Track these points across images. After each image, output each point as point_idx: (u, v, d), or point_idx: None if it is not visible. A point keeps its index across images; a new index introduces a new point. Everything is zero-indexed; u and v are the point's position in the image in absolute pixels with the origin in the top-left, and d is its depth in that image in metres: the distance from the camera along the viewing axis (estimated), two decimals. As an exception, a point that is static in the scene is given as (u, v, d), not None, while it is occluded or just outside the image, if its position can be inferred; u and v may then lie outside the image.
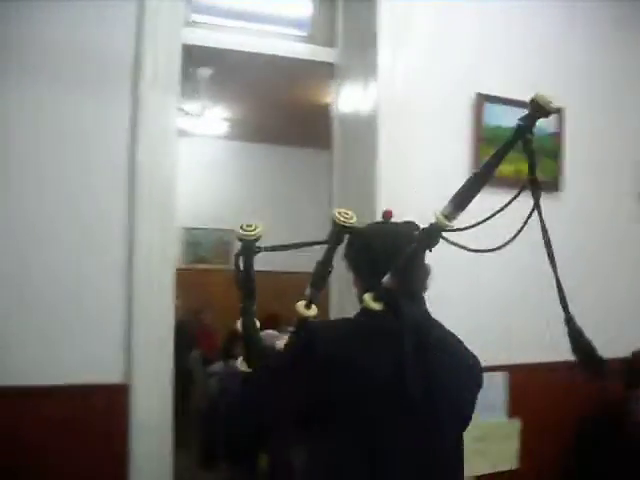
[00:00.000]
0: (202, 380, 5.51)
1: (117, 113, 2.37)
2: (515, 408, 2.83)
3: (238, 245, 1.53)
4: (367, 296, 1.39)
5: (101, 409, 2.28)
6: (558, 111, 1.16)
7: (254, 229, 1.51)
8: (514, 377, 2.81)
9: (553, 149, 2.95)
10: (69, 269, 2.30)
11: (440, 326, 1.55)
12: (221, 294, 5.42)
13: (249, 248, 1.50)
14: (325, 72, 3.01)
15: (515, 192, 1.31)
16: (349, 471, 1.40)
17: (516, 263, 2.61)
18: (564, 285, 1.25)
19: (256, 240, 1.51)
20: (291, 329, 1.51)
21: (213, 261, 7.79)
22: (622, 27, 3.17)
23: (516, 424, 2.82)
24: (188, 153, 6.92)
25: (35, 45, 2.28)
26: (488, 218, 1.31)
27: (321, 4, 2.97)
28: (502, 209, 1.31)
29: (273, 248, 1.55)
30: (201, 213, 7.45)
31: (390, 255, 1.41)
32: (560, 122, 2.94)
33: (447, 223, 1.31)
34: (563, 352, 1.28)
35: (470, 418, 1.55)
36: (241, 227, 1.51)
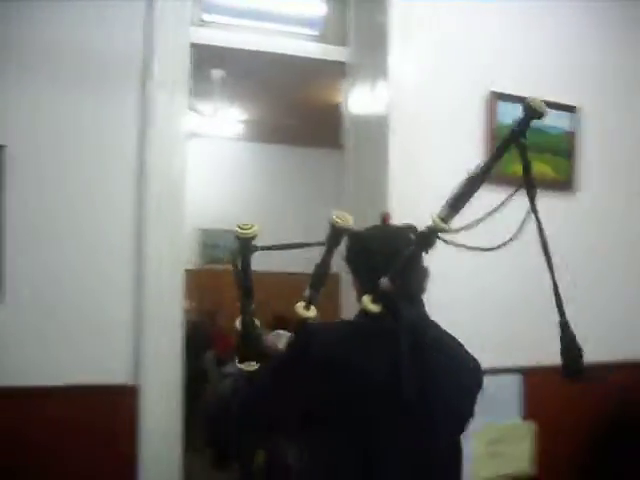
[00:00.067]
0: (216, 380, 5.54)
1: (126, 113, 2.38)
2: (530, 410, 2.80)
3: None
4: (365, 298, 1.40)
5: (110, 410, 2.28)
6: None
7: (250, 228, 1.53)
8: (529, 379, 2.78)
9: (567, 149, 2.92)
10: (80, 271, 2.31)
11: (437, 327, 1.55)
12: (237, 295, 5.40)
13: (246, 247, 1.53)
14: (337, 71, 3.00)
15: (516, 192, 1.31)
16: (345, 471, 1.41)
17: (524, 265, 2.56)
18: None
19: (252, 238, 1.53)
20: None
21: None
22: (636, 27, 3.15)
23: (531, 426, 2.80)
24: (204, 154, 6.98)
25: (39, 45, 2.29)
26: (482, 219, 1.32)
27: (333, 3, 2.96)
28: (495, 210, 1.31)
29: (270, 247, 1.60)
30: (217, 214, 7.42)
31: (388, 257, 1.42)
32: (574, 122, 2.92)
33: (443, 225, 1.32)
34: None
35: (469, 419, 1.54)
36: (238, 226, 1.53)
